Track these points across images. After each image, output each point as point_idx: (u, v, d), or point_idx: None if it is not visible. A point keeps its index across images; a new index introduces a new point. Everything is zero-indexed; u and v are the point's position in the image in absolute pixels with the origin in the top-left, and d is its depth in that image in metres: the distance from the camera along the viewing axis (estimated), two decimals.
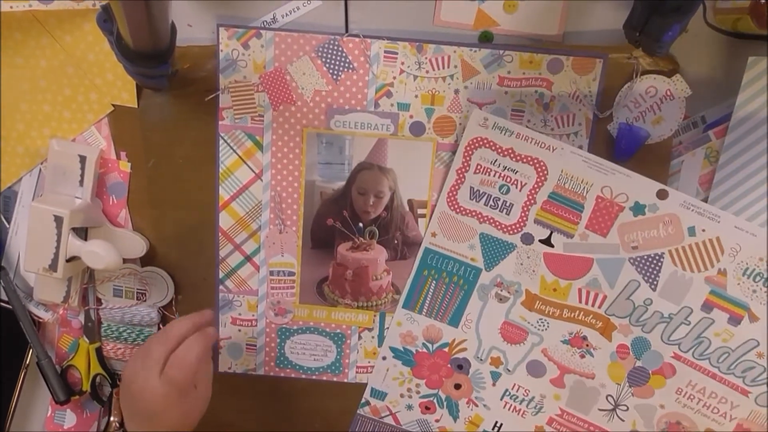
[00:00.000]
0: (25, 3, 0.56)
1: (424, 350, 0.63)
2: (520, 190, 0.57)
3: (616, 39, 0.56)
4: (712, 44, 0.56)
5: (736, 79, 0.56)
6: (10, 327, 0.63)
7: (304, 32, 0.57)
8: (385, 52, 0.57)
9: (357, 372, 0.65)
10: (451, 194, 0.58)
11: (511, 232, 0.59)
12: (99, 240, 0.57)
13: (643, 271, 0.57)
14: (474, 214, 0.59)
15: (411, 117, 0.59)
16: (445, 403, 0.64)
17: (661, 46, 0.52)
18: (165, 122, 0.60)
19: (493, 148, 0.57)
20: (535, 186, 0.57)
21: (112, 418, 0.58)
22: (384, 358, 0.64)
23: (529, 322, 0.61)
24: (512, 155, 0.56)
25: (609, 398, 0.61)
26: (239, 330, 0.65)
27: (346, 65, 0.58)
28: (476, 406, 0.64)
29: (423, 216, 0.61)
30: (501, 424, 0.64)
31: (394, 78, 0.58)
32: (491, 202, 0.58)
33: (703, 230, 0.55)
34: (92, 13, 0.57)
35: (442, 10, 0.57)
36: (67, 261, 0.57)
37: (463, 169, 0.58)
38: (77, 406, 0.68)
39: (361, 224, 0.61)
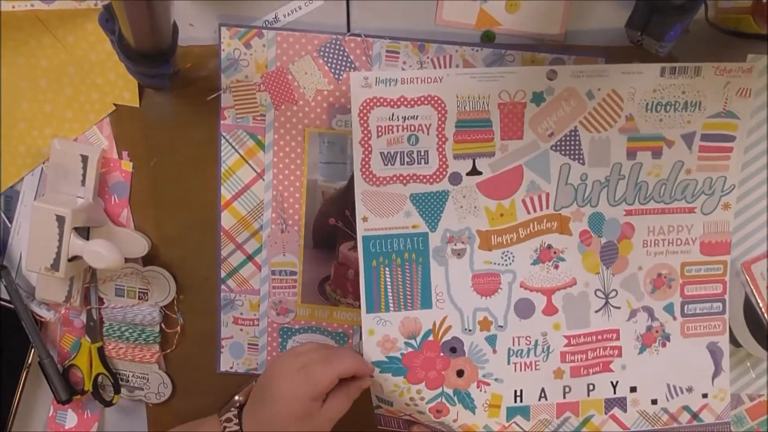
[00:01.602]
0: (26, 2, 0.56)
1: (410, 349, 0.59)
2: (428, 134, 0.55)
3: (618, 39, 0.56)
4: (713, 44, 0.56)
5: None
6: (12, 326, 0.63)
7: (306, 32, 0.57)
8: (387, 51, 0.57)
9: None
10: (364, 169, 0.56)
11: (437, 179, 0.56)
12: (101, 239, 0.57)
13: (568, 152, 0.57)
14: (395, 178, 0.56)
15: None
16: (455, 399, 0.60)
17: (662, 46, 0.52)
18: (167, 122, 0.60)
19: (385, 103, 0.55)
20: (440, 122, 0.55)
21: (237, 397, 0.58)
22: (371, 377, 0.59)
23: (495, 263, 0.58)
24: (405, 102, 0.55)
25: (598, 293, 0.60)
26: (241, 329, 0.65)
27: (348, 65, 0.58)
28: (488, 385, 0.60)
29: None
30: (521, 390, 0.60)
31: None
32: (406, 158, 0.56)
33: (599, 89, 0.55)
34: (94, 13, 0.57)
35: (443, 10, 0.57)
36: (69, 260, 0.57)
37: (365, 138, 0.55)
38: (79, 405, 0.68)
39: None
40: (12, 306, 0.63)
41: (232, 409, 0.56)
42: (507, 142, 0.56)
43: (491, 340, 0.59)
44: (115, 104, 0.60)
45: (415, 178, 0.56)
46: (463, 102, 0.55)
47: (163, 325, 0.65)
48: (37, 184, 0.62)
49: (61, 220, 0.56)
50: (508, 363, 0.60)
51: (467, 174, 0.57)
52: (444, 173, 0.57)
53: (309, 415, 0.52)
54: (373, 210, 0.57)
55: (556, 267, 0.59)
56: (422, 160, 0.56)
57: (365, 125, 0.55)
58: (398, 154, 0.56)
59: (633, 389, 0.61)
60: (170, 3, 0.46)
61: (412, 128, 0.55)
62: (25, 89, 0.60)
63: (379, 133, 0.55)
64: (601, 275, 0.59)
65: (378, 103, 0.55)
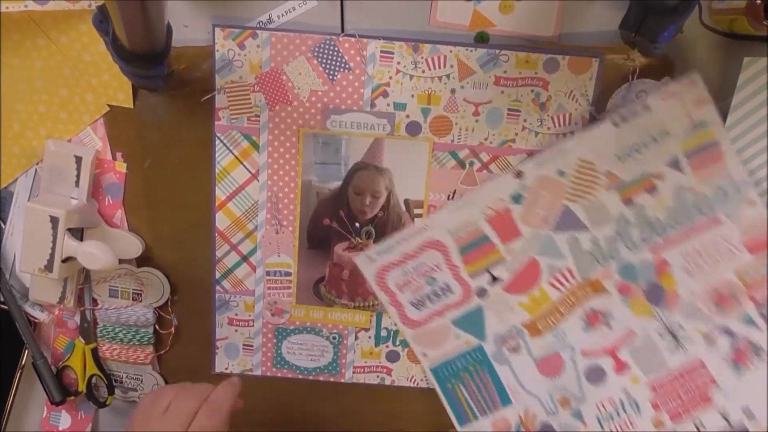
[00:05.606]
0: (20, 3, 0.56)
1: None
2: (441, 270, 0.60)
3: (612, 40, 0.56)
4: (707, 45, 0.56)
5: (731, 80, 0.56)
6: (6, 327, 0.63)
7: (300, 32, 0.57)
8: (381, 52, 0.57)
9: (354, 372, 0.65)
10: (403, 319, 0.62)
11: (466, 300, 0.61)
12: (95, 240, 0.57)
13: (569, 227, 0.58)
14: (432, 316, 0.61)
15: (407, 117, 0.59)
16: None
17: (656, 47, 0.52)
18: (161, 123, 0.60)
19: (393, 266, 0.60)
20: (446, 257, 0.60)
21: None
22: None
23: (551, 345, 0.61)
24: (409, 257, 0.60)
25: (663, 334, 0.60)
26: (236, 330, 0.65)
27: (342, 65, 0.58)
28: None
29: (419, 216, 0.61)
30: None
31: (390, 78, 0.58)
32: (433, 297, 0.61)
33: (566, 165, 0.57)
34: (88, 14, 0.56)
35: (438, 11, 0.57)
36: (63, 261, 0.57)
37: (393, 299, 0.61)
38: (72, 407, 0.68)
39: (357, 224, 0.61)
40: (6, 307, 0.63)
41: None
42: (510, 245, 0.59)
43: (577, 415, 0.62)
44: (109, 105, 0.60)
45: (448, 307, 0.61)
46: (457, 232, 0.59)
47: (157, 326, 0.65)
48: (31, 185, 0.62)
49: (54, 221, 0.56)
50: (603, 429, 0.62)
51: (489, 284, 0.60)
52: (470, 293, 0.61)
53: None
54: (427, 346, 0.63)
55: (609, 326, 0.60)
56: (446, 293, 0.61)
57: (387, 290, 0.61)
58: (426, 297, 0.61)
59: (749, 414, 0.60)
60: (164, 4, 0.46)
61: (426, 272, 0.60)
62: (19, 90, 0.60)
63: (402, 290, 0.61)
64: (657, 316, 0.60)
65: (388, 269, 0.61)
